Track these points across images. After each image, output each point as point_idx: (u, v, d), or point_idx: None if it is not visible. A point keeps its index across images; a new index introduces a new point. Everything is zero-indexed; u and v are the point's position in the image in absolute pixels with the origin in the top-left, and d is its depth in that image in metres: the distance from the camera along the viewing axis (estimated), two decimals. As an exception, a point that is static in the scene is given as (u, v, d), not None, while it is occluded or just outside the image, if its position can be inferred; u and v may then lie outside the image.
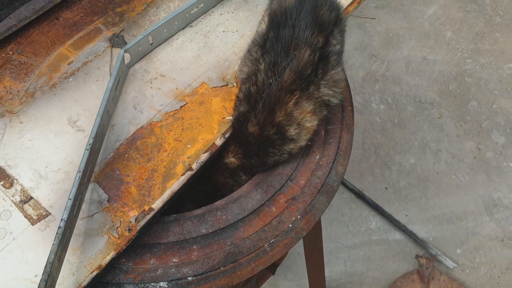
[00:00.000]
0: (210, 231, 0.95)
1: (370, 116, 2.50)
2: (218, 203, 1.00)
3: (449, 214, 2.17)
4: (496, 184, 2.28)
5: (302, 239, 1.44)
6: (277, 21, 1.01)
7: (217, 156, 1.05)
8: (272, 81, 0.94)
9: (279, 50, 0.96)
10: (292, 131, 0.97)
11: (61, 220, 0.83)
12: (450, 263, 2.00)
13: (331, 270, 1.97)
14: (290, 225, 0.97)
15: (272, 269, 1.26)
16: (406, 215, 2.14)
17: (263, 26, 1.05)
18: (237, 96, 1.04)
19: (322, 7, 1.01)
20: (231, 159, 1.03)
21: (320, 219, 1.33)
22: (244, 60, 1.06)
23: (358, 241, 2.06)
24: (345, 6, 1.28)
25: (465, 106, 2.57)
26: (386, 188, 2.23)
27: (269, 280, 1.92)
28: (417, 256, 2.01)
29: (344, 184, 2.20)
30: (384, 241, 2.07)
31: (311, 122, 0.98)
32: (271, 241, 0.95)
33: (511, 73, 2.74)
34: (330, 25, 1.00)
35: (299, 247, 1.88)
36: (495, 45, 2.89)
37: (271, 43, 0.98)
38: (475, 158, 2.37)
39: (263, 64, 0.97)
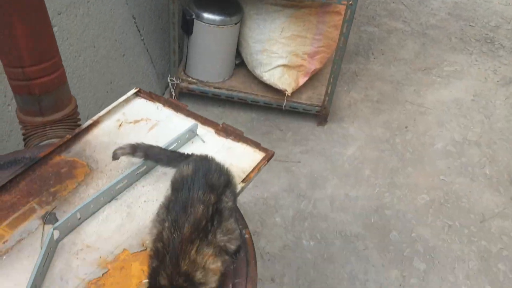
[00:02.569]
0: None
1: (302, 253, 2.69)
2: None
3: None
4: (422, 311, 2.44)
5: None
6: (176, 186, 1.26)
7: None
8: (175, 236, 1.13)
9: (178, 209, 1.18)
10: (198, 275, 1.12)
11: None
12: None
13: None
14: None
15: None
16: None
17: (169, 191, 1.29)
18: (149, 255, 1.22)
19: (212, 173, 1.27)
20: None
21: None
22: (153, 222, 1.26)
23: None
24: (247, 173, 1.54)
25: (387, 236, 2.82)
26: (320, 324, 2.34)
27: None
28: None
29: (280, 324, 2.30)
30: None
31: (214, 263, 1.15)
32: None
33: (424, 202, 3.08)
34: (221, 186, 1.25)
35: None
36: (408, 178, 3.26)
37: (173, 204, 1.21)
38: (400, 285, 2.55)
39: (167, 223, 1.17)
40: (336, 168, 3.28)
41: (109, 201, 1.44)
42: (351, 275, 2.58)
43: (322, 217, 2.92)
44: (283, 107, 3.51)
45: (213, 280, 1.18)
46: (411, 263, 2.68)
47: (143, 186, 1.51)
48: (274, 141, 3.43)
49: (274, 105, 3.56)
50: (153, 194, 1.48)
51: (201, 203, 1.18)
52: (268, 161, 1.61)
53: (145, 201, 1.46)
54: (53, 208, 1.40)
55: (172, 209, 1.20)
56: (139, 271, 1.26)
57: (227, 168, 1.33)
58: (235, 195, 1.32)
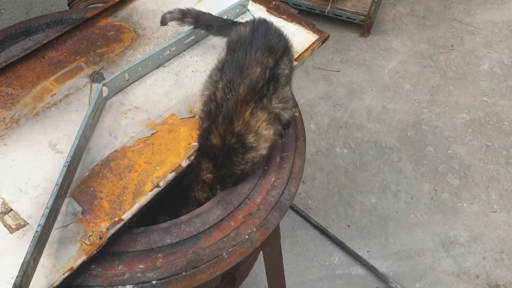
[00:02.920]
0: (174, 241, 1.06)
1: (334, 159, 2.67)
2: (183, 217, 1.11)
3: (408, 250, 2.29)
4: (452, 223, 2.42)
5: (265, 267, 1.54)
6: (233, 46, 1.18)
7: (193, 175, 1.17)
8: (229, 97, 1.09)
9: (234, 69, 1.12)
10: (251, 138, 1.10)
11: (38, 225, 0.93)
12: (409, 297, 2.10)
13: (296, 304, 2.05)
14: (247, 236, 1.08)
15: (232, 283, 1.34)
16: (368, 251, 2.26)
17: (222, 54, 1.22)
18: (200, 117, 1.18)
19: (272, 35, 1.19)
20: (207, 175, 1.14)
21: (279, 242, 1.44)
22: (205, 84, 1.21)
23: (322, 275, 2.15)
24: (300, 52, 1.46)
25: (422, 151, 2.76)
26: (348, 225, 2.35)
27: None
28: (378, 290, 2.10)
29: (309, 221, 2.31)
30: (347, 275, 2.16)
31: (267, 130, 1.12)
32: (229, 250, 1.05)
33: (464, 122, 2.98)
34: (279, 51, 1.17)
35: (265, 281, 1.96)
36: (449, 96, 3.14)
37: (228, 65, 1.15)
38: (432, 198, 2.53)
39: (221, 84, 1.12)
40: (375, 80, 3.17)
41: (157, 68, 1.39)
42: (382, 184, 2.56)
43: (358, 127, 2.86)
44: (326, 13, 3.34)
45: (264, 147, 1.15)
46: (445, 178, 2.64)
47: (190, 57, 1.45)
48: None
49: (317, 11, 3.39)
50: (201, 65, 1.43)
51: (258, 65, 1.12)
52: (322, 43, 1.52)
53: (192, 71, 1.40)
54: (101, 68, 1.35)
55: (227, 70, 1.14)
56: (187, 135, 1.24)
57: (285, 34, 1.25)
58: (292, 64, 1.25)
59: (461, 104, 3.10)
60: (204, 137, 1.13)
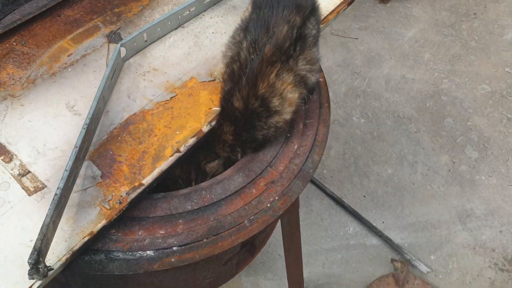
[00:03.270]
0: (195, 207, 1.03)
1: (351, 129, 2.62)
2: (203, 184, 1.09)
3: (424, 222, 2.26)
4: (469, 196, 2.39)
5: (282, 233, 1.52)
6: (259, 4, 1.11)
7: (215, 135, 1.14)
8: (254, 57, 1.04)
9: (260, 28, 1.06)
10: (275, 101, 1.05)
11: (58, 188, 0.90)
12: (424, 268, 2.08)
13: (310, 271, 2.04)
14: (269, 205, 1.05)
15: (252, 251, 1.33)
16: (383, 222, 2.24)
17: (246, 13, 1.16)
18: (222, 78, 1.13)
19: None
20: (227, 137, 1.10)
21: (298, 211, 1.42)
22: (228, 45, 1.15)
23: (336, 244, 2.14)
24: (325, 15, 1.40)
25: (441, 122, 2.70)
26: (364, 196, 2.33)
27: (250, 280, 1.99)
28: (392, 260, 2.09)
29: (324, 191, 2.29)
30: (361, 246, 2.15)
31: (292, 93, 1.07)
32: (251, 217, 1.03)
33: (484, 93, 2.90)
34: (307, 10, 1.11)
35: (279, 248, 1.95)
36: (470, 67, 3.05)
37: (253, 23, 1.08)
38: (449, 171, 2.48)
39: (245, 43, 1.06)
40: (395, 48, 3.08)
41: (176, 28, 1.34)
42: (399, 155, 2.52)
43: (376, 96, 2.79)
44: (345, -23, 3.22)
45: (288, 111, 1.10)
46: (463, 151, 2.58)
47: (211, 18, 1.39)
48: (331, 14, 3.20)
49: (336, -26, 3.26)
50: (221, 27, 1.37)
51: (285, 23, 1.06)
52: (348, 5, 1.46)
53: (213, 33, 1.35)
54: (118, 28, 1.30)
55: (252, 28, 1.08)
56: (207, 100, 1.19)
57: None
58: (319, 25, 1.19)
59: (482, 74, 3.01)
60: (226, 99, 1.09)
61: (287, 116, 1.10)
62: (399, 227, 2.23)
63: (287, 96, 1.07)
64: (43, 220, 0.85)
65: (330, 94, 2.76)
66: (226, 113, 1.09)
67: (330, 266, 2.08)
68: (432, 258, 2.15)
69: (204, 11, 1.40)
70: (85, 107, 1.12)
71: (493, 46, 3.20)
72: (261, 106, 1.05)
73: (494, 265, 2.16)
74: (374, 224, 2.20)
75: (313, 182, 2.33)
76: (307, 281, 2.01)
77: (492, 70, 3.05)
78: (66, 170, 0.93)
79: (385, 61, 2.99)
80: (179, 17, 1.32)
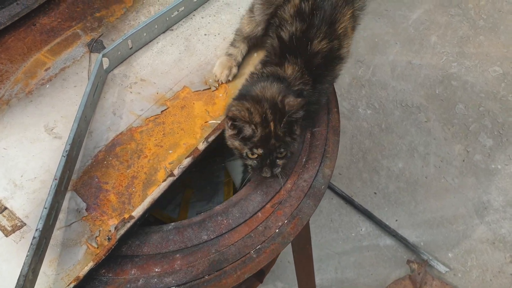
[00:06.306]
0: (194, 240, 0.91)
1: (357, 122, 2.49)
2: (218, 207, 0.96)
3: (439, 218, 2.15)
4: (485, 187, 2.27)
5: (291, 245, 1.41)
6: None
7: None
8: None
9: None
10: (345, 46, 1.03)
11: (36, 230, 0.79)
12: (442, 268, 1.97)
13: (321, 278, 1.94)
14: (277, 230, 0.94)
15: (260, 277, 1.22)
16: (396, 220, 2.12)
17: None
18: (282, 18, 1.03)
19: None
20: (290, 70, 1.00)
21: (308, 223, 1.30)
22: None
23: (348, 247, 2.03)
24: None
25: (452, 109, 2.57)
26: (375, 193, 2.21)
27: (259, 290, 1.88)
28: (408, 261, 1.98)
29: (333, 190, 2.17)
30: (374, 247, 2.04)
31: (350, 39, 1.06)
32: (258, 247, 0.91)
33: (496, 75, 2.76)
34: None
35: (289, 255, 1.84)
36: (479, 48, 2.90)
37: None
38: (463, 161, 2.36)
39: None
40: (399, 32, 2.93)
41: (164, 32, 1.21)
42: (410, 147, 2.40)
43: (381, 85, 2.65)
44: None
45: (347, 57, 1.07)
46: (477, 138, 2.45)
47: (202, 18, 1.26)
48: None
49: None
50: (214, 27, 1.24)
51: None
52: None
53: (205, 34, 1.22)
54: (100, 35, 1.18)
55: None
56: (202, 112, 1.07)
57: None
58: None
59: (493, 56, 2.86)
60: (300, 40, 0.99)
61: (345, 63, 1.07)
62: (414, 225, 2.12)
63: (348, 43, 1.05)
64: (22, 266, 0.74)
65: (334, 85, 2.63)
66: (294, 50, 1.00)
67: (343, 271, 1.97)
68: (450, 256, 2.04)
69: (195, 10, 1.27)
70: (66, 129, 1.00)
71: (502, 24, 3.04)
72: (338, 50, 1.01)
73: (515, 260, 2.05)
74: (387, 223, 2.09)
75: (320, 180, 2.21)
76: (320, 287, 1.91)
77: (503, 50, 2.90)
78: (45, 208, 0.82)
79: (389, 47, 2.84)
80: (167, 18, 1.19)
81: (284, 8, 1.02)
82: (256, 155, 0.92)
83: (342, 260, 2.00)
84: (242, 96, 0.96)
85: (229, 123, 0.93)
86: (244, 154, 0.94)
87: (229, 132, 0.95)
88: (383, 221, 2.09)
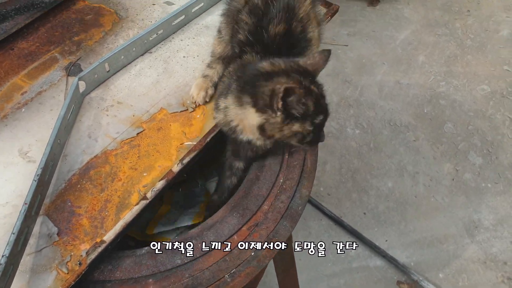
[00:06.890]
0: (167, 264, 0.90)
1: (345, 141, 2.49)
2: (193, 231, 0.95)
3: (430, 237, 2.13)
4: (475, 206, 2.25)
5: (275, 270, 1.39)
6: None
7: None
8: None
9: None
10: (310, 30, 1.00)
11: (2, 256, 0.77)
12: (433, 288, 1.95)
13: (311, 301, 1.91)
14: (252, 254, 0.92)
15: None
16: (386, 240, 2.10)
17: None
18: (240, 21, 1.02)
19: None
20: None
21: (292, 245, 1.28)
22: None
23: (338, 269, 2.00)
24: None
25: (440, 128, 2.57)
26: (364, 213, 2.19)
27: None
28: (398, 283, 1.95)
29: (322, 210, 2.16)
30: (364, 268, 2.01)
31: (318, 25, 1.05)
32: (232, 271, 0.90)
33: (484, 94, 2.77)
34: None
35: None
36: (467, 67, 2.93)
37: None
38: (453, 180, 2.35)
39: None
40: (387, 53, 2.95)
41: (142, 54, 1.21)
42: (399, 166, 2.39)
43: (369, 105, 2.66)
44: (331, -18, 3.10)
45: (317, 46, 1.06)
46: (466, 157, 2.45)
47: (181, 40, 1.26)
48: (319, 22, 3.08)
49: (321, -20, 3.15)
50: (193, 49, 1.24)
51: None
52: (331, 17, 1.34)
53: (184, 57, 1.22)
54: (78, 59, 1.18)
55: None
56: (179, 133, 1.06)
57: None
58: None
59: (481, 74, 2.88)
60: (256, 31, 0.97)
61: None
62: (404, 245, 2.10)
63: (315, 29, 1.03)
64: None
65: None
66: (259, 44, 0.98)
67: (333, 293, 1.94)
68: (441, 276, 2.01)
69: (174, 33, 1.28)
70: (40, 153, 0.99)
71: (490, 43, 3.08)
72: (302, 32, 0.98)
73: (507, 279, 2.02)
74: (377, 244, 2.06)
75: (309, 201, 2.19)
76: (309, 311, 1.87)
77: (491, 69, 2.93)
78: (13, 233, 0.80)
79: (377, 67, 2.86)
80: (145, 41, 1.20)
81: (242, 11, 1.01)
82: (312, 127, 0.88)
83: (331, 282, 1.97)
84: (254, 78, 0.89)
85: (280, 104, 0.83)
86: (306, 132, 0.88)
87: (277, 119, 0.86)
88: (373, 242, 2.06)
